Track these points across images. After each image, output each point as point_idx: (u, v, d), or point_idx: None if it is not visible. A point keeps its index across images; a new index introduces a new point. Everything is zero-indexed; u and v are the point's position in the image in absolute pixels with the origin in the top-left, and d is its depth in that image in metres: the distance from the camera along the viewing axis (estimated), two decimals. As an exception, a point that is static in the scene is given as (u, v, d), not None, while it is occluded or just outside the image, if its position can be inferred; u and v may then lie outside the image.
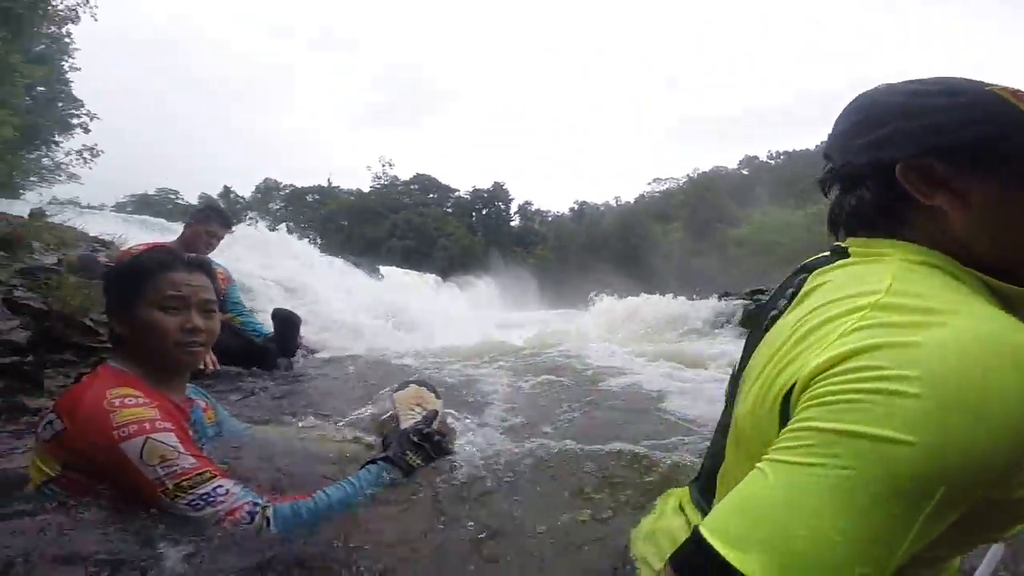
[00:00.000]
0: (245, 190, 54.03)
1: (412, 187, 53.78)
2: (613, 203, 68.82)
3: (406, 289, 14.52)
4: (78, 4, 12.30)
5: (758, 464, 0.49)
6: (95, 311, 3.23)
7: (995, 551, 0.77)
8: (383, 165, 55.28)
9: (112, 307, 1.15)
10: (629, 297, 8.98)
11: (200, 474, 0.97)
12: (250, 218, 23.31)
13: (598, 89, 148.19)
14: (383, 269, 18.05)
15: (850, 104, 0.66)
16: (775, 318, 0.65)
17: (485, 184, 54.16)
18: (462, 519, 1.08)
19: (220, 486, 0.98)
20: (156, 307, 1.11)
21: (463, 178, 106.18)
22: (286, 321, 3.37)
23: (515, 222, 55.28)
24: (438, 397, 1.58)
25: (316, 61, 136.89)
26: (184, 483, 0.95)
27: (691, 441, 1.68)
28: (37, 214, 4.43)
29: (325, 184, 54.45)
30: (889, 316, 0.49)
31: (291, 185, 54.75)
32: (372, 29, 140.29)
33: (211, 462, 1.03)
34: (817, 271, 0.64)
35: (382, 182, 54.09)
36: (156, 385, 1.10)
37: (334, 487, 1.09)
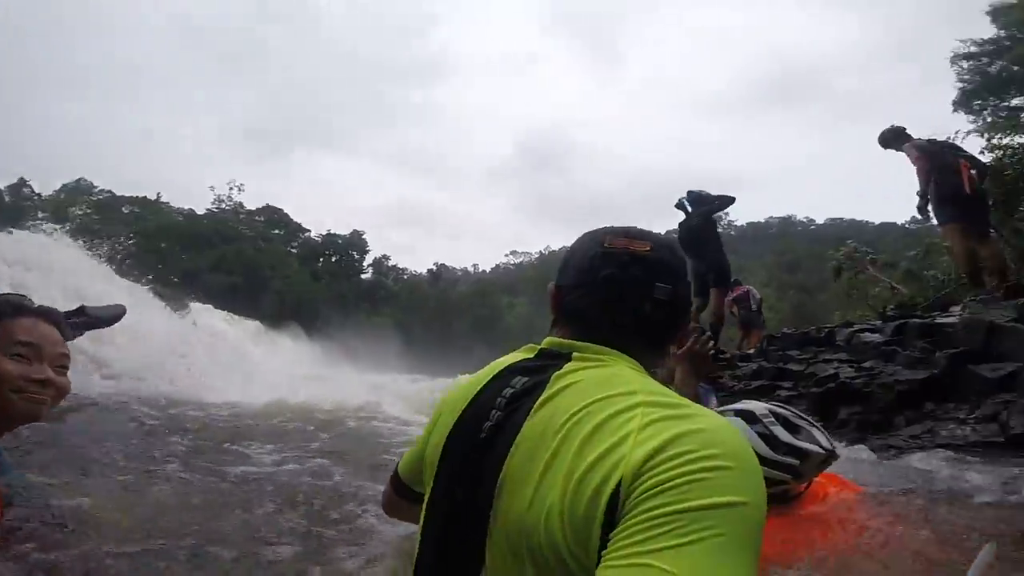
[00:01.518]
0: (47, 187, 44.54)
1: (256, 219, 48.86)
2: (471, 270, 72.60)
3: (217, 334, 13.12)
4: None
5: (638, 561, 0.49)
6: None
7: (987, 551, 0.77)
8: (230, 188, 49.02)
9: None
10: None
11: None
12: (41, 219, 18.84)
13: (470, 157, 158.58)
14: (194, 306, 15.37)
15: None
16: (501, 425, 0.67)
17: (343, 231, 51.28)
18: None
19: None
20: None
21: (320, 223, 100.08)
22: None
23: (367, 275, 52.91)
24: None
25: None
26: None
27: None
28: None
29: (152, 197, 46.95)
30: (661, 411, 0.59)
31: (109, 191, 46.22)
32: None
33: None
34: (557, 374, 0.68)
35: (223, 206, 48.42)
36: None
37: None
